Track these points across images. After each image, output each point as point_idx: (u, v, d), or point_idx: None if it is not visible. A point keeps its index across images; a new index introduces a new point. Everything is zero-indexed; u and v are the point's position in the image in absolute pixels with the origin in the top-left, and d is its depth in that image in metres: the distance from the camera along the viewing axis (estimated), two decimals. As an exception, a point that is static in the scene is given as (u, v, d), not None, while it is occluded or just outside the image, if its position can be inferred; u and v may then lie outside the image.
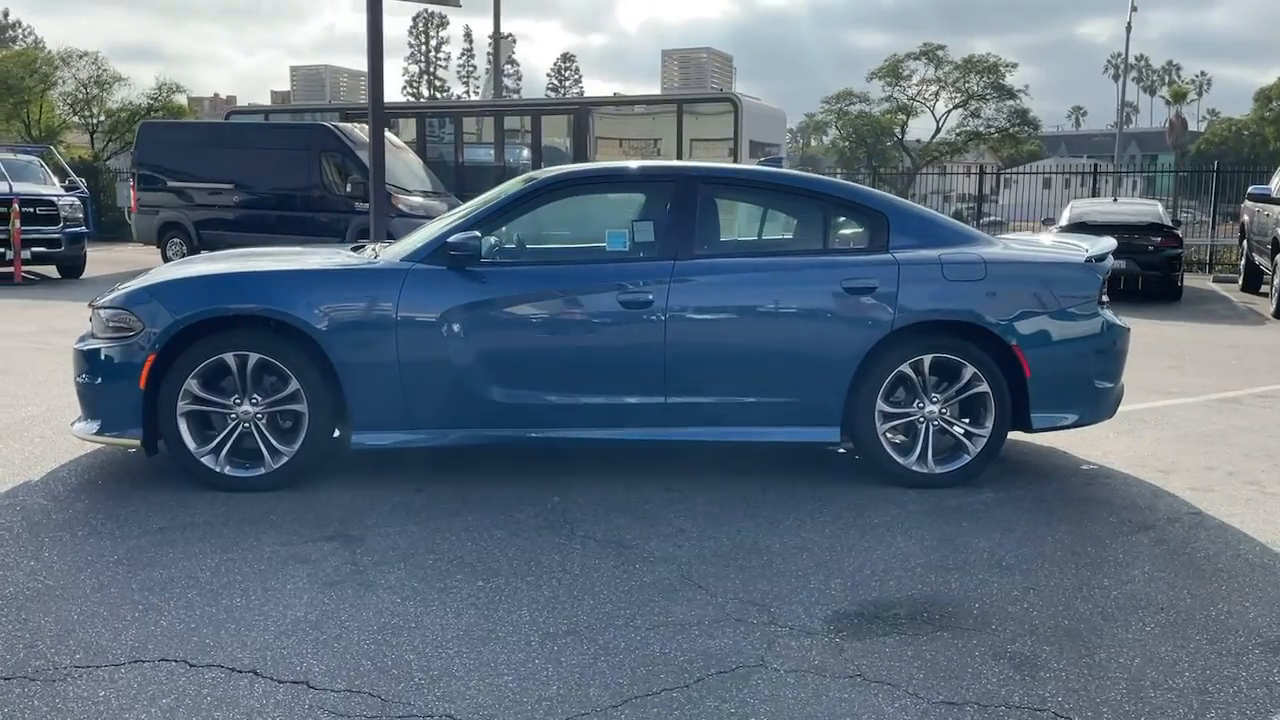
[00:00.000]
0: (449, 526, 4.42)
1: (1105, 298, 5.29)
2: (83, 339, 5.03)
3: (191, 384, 4.76)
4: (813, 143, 62.70)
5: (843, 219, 5.34)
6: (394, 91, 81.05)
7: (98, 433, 4.87)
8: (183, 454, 4.80)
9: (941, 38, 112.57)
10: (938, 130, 42.36)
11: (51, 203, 16.05)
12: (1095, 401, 5.24)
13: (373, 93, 11.90)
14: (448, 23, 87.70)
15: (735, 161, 18.37)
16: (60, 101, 32.91)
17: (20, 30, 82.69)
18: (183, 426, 4.78)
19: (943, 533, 4.46)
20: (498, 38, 24.13)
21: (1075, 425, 5.30)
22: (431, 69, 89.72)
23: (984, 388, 5.05)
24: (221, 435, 4.82)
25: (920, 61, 40.69)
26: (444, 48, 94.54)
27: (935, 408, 5.08)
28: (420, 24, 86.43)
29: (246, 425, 4.83)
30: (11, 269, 15.13)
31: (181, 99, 34.73)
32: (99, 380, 4.85)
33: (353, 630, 3.40)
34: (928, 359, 5.04)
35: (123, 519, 4.45)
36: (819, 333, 5.02)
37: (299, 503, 4.68)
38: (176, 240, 17.95)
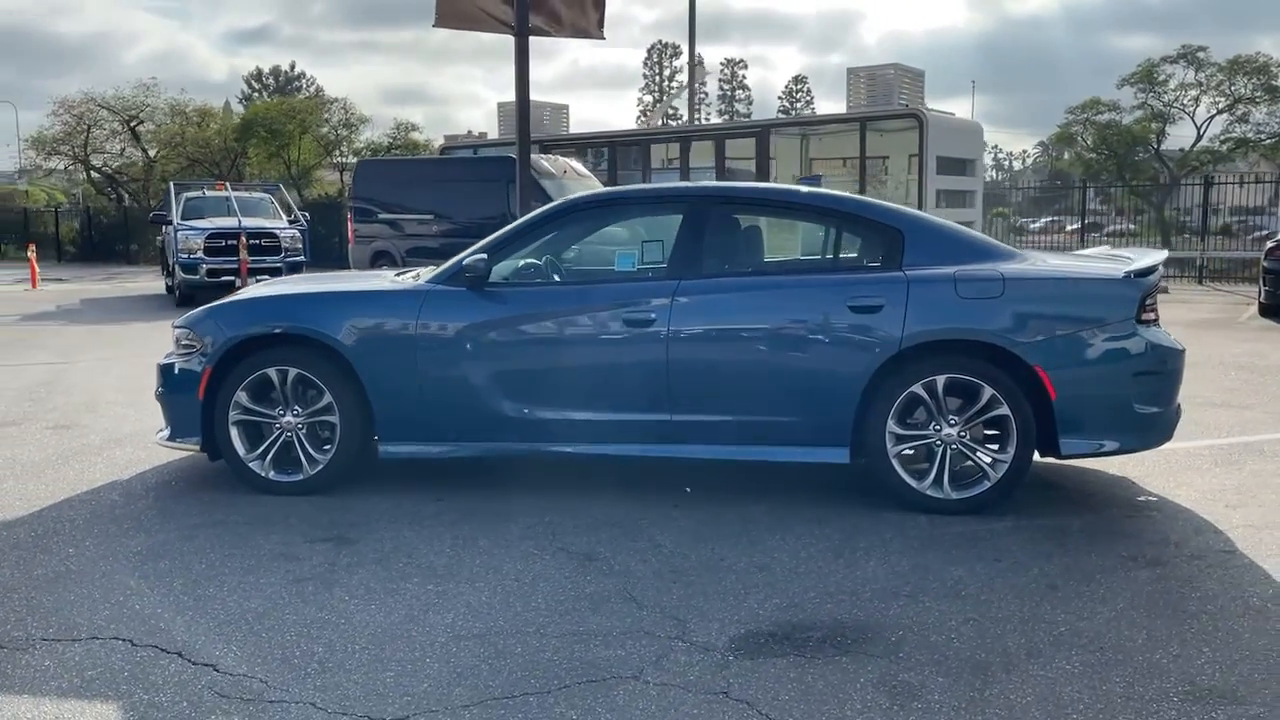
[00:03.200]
0: (440, 535, 4.68)
1: (1152, 315, 4.92)
2: (166, 355, 5.66)
3: (241, 396, 5.27)
4: (1066, 155, 59.40)
5: (856, 236, 5.23)
6: (628, 121, 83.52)
7: (168, 439, 5.47)
8: (234, 459, 5.31)
9: (1215, 38, 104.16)
10: (1199, 138, 39.28)
11: (274, 235, 17.81)
12: (1138, 427, 4.88)
13: (520, 127, 12.41)
14: (680, 52, 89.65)
15: (921, 179, 17.94)
16: (315, 144, 36.14)
17: (304, 80, 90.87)
18: (234, 434, 5.29)
19: (923, 559, 4.30)
20: (692, 64, 24.57)
21: (1116, 452, 4.95)
22: (664, 98, 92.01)
23: (1004, 411, 4.81)
24: (267, 443, 5.30)
25: (1179, 65, 37.88)
26: (677, 77, 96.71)
27: (953, 430, 4.88)
28: (654, 55, 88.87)
29: (289, 434, 5.29)
30: (237, 294, 16.87)
31: (419, 137, 37.31)
32: (169, 392, 5.44)
33: (287, 623, 3.70)
34: (941, 380, 4.85)
35: (167, 515, 4.99)
36: (824, 352, 4.94)
37: (323, 507, 5.07)
38: (387, 268, 19.40)
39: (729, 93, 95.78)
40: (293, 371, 5.24)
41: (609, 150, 21.87)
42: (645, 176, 21.27)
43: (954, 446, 4.90)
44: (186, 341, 5.43)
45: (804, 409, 4.95)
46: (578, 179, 18.50)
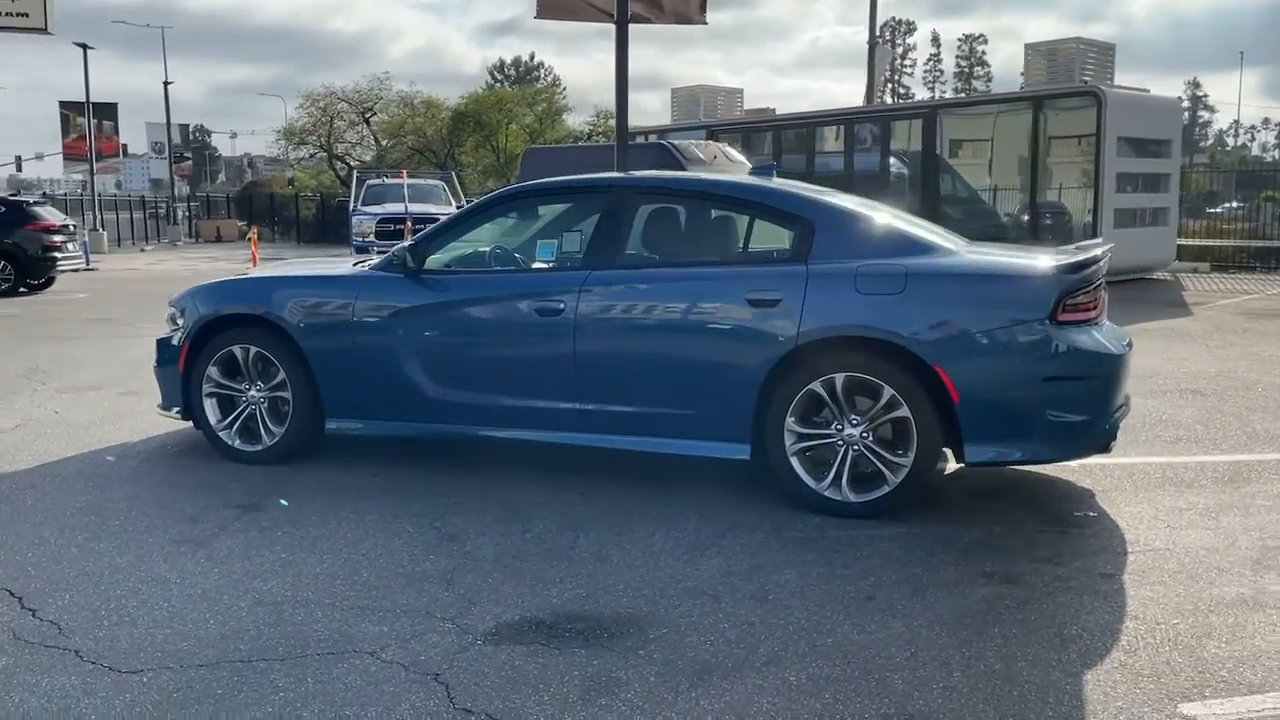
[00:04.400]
0: (343, 507, 4.94)
1: (1079, 315, 4.53)
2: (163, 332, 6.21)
3: (213, 370, 5.74)
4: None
5: (771, 226, 5.08)
6: (855, 101, 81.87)
7: (160, 407, 6.03)
8: (206, 428, 5.80)
9: None
10: None
11: (437, 219, 18.79)
12: (1052, 436, 4.51)
13: (619, 121, 12.47)
14: (914, 28, 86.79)
15: (1098, 161, 16.75)
16: (521, 132, 37.67)
17: (542, 70, 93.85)
18: (208, 406, 5.78)
19: (768, 560, 4.19)
20: (873, 43, 23.80)
21: (1026, 462, 4.62)
22: (896, 76, 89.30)
23: (904, 412, 4.58)
24: (234, 415, 5.75)
25: None
26: (910, 54, 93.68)
27: (855, 431, 4.69)
28: (886, 34, 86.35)
29: (253, 407, 5.72)
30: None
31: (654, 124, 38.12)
32: (160, 364, 5.99)
33: (132, 579, 4.04)
34: (841, 378, 4.67)
35: (137, 477, 5.51)
36: (723, 346, 4.85)
37: (271, 475, 5.45)
38: (545, 251, 20.05)
39: (966, 69, 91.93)
40: (253, 350, 5.65)
41: (772, 134, 21.65)
42: (810, 161, 20.92)
43: (856, 448, 4.71)
44: (171, 319, 5.96)
45: (705, 403, 4.89)
46: (729, 164, 18.42)
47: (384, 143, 44.44)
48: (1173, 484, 5.26)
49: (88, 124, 34.29)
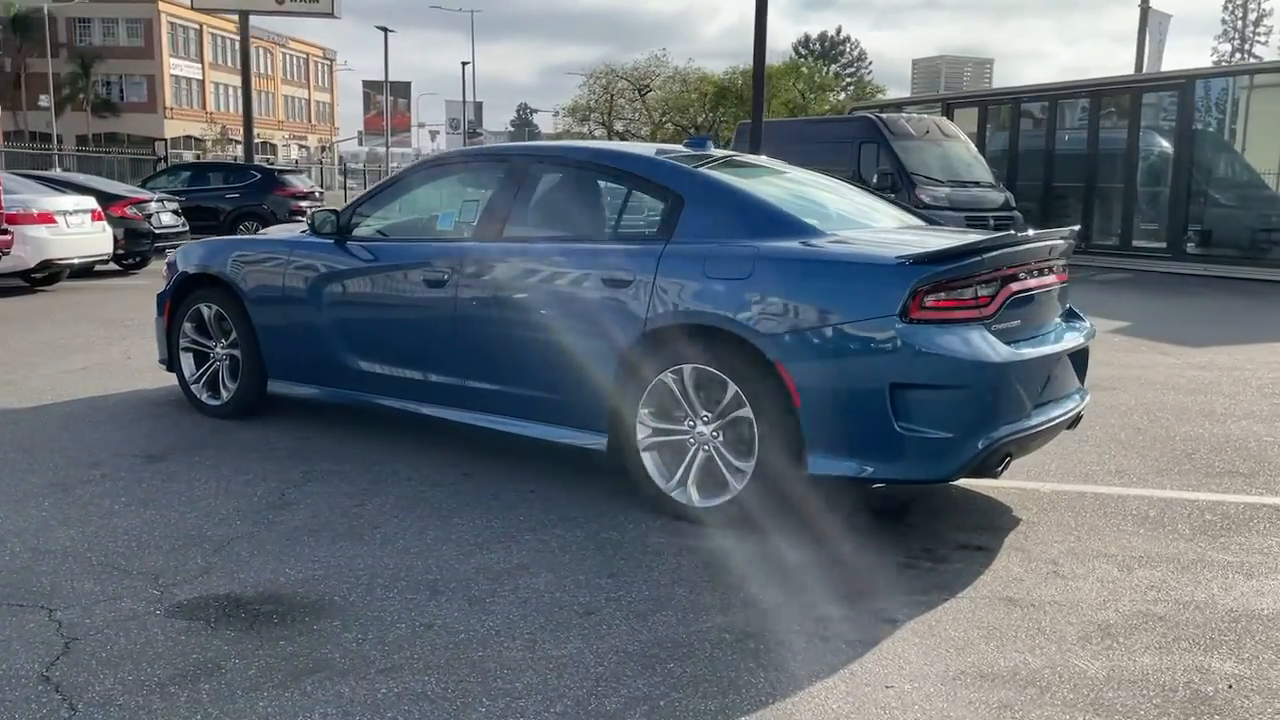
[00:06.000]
0: (236, 464, 5.02)
1: (944, 314, 3.82)
2: None
3: (187, 327, 6.03)
4: None
5: (646, 200, 4.62)
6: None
7: (159, 360, 6.41)
8: (181, 380, 6.11)
9: None
10: None
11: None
12: (905, 453, 3.84)
13: (755, 97, 11.91)
14: (1269, -7, 76.92)
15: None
16: (784, 107, 37.05)
17: (848, 44, 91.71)
18: (184, 360, 6.08)
19: (545, 560, 3.85)
20: (1145, 5, 21.25)
21: (876, 480, 3.96)
22: (1247, 45, 79.73)
23: (747, 413, 4.06)
24: (203, 370, 6.02)
25: None
26: (1265, 21, 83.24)
27: (706, 430, 4.22)
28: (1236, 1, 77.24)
29: (218, 364, 5.97)
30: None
31: (889, 96, 36.70)
32: (157, 317, 6.36)
33: (-28, 513, 4.35)
34: (688, 370, 4.21)
35: (110, 422, 5.86)
36: (579, 328, 4.50)
37: (217, 429, 5.67)
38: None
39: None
40: (213, 308, 5.89)
41: (1012, 108, 19.97)
42: (1050, 138, 19.15)
43: (707, 448, 4.24)
44: (164, 276, 6.31)
45: (565, 387, 4.57)
46: (942, 139, 17.25)
47: (656, 117, 45.22)
48: (1132, 523, 4.36)
49: (384, 102, 37.29)
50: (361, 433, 5.60)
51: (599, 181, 4.84)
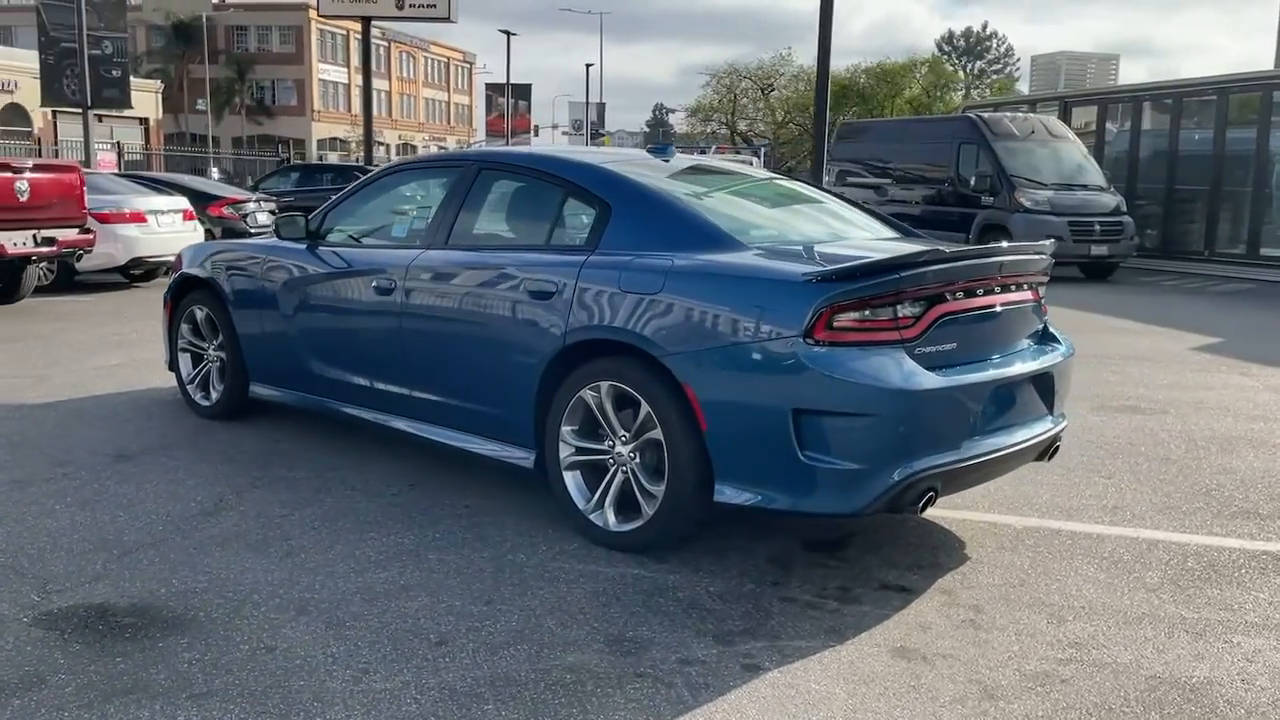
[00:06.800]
0: (196, 466, 5.04)
1: (863, 336, 3.51)
2: None
3: (184, 328, 6.13)
4: None
5: (580, 208, 4.41)
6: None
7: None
8: (179, 380, 6.22)
9: None
10: None
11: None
12: (812, 484, 3.54)
13: (818, 101, 11.47)
14: None
15: None
16: (907, 105, 36.04)
17: (994, 40, 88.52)
18: (182, 360, 6.19)
19: (428, 582, 3.70)
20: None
21: (789, 513, 3.67)
22: None
23: (657, 434, 3.84)
24: (198, 371, 6.11)
25: None
26: None
27: (625, 450, 4.01)
28: None
29: (210, 365, 6.05)
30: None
31: (1024, 90, 35.31)
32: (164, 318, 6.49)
33: (-81, 508, 4.48)
34: (605, 386, 4.01)
35: (106, 420, 6.02)
36: (506, 339, 4.34)
37: (195, 430, 5.74)
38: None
39: None
40: (204, 310, 5.96)
41: (1132, 106, 18.86)
42: (1175, 138, 18.02)
43: (625, 470, 4.03)
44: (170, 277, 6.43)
45: (497, 401, 4.42)
46: (1049, 139, 16.43)
47: (779, 117, 44.66)
48: (1097, 567, 3.95)
49: (506, 104, 37.92)
50: (333, 440, 5.57)
51: (540, 189, 4.65)
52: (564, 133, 59.55)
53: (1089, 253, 15.29)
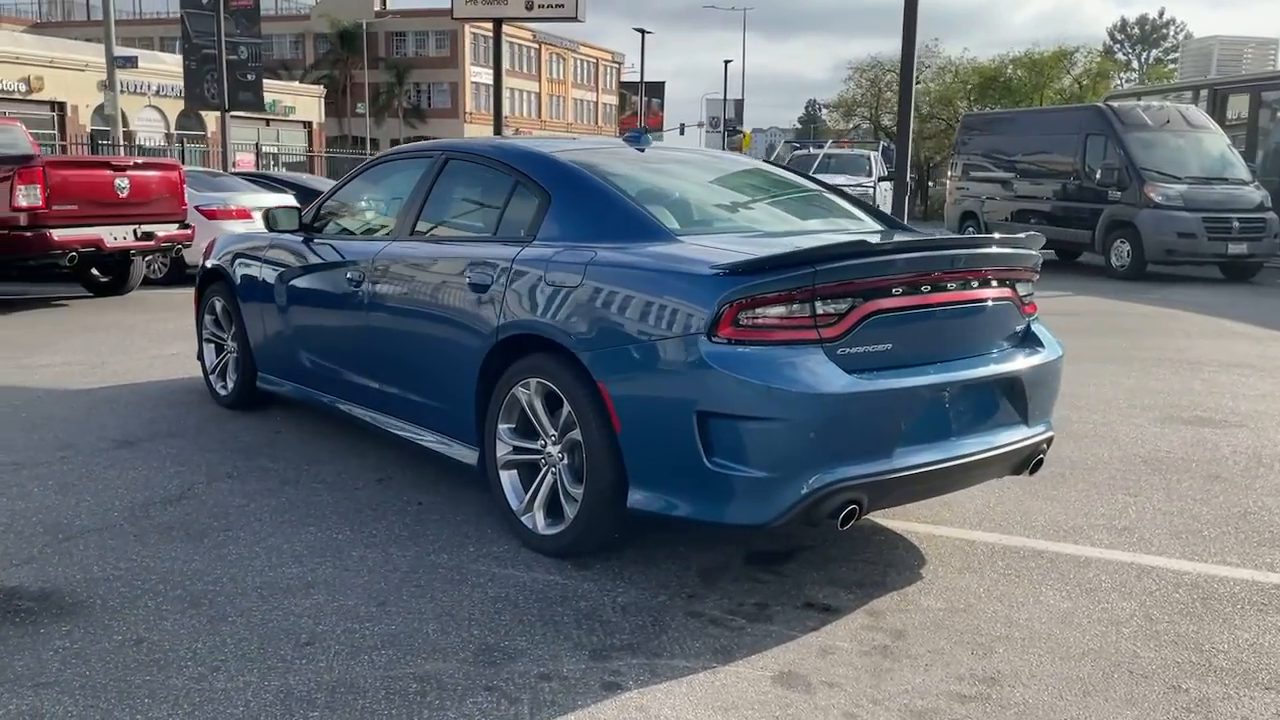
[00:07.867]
0: (186, 455, 5.12)
1: (773, 335, 3.23)
2: None
3: (207, 320, 6.26)
4: None
5: (522, 197, 4.21)
6: None
7: (198, 354, 6.70)
8: (203, 369, 6.35)
9: None
10: None
11: (845, 190, 18.02)
12: (718, 492, 3.28)
13: (902, 94, 10.71)
14: None
15: None
16: (1056, 96, 34.35)
17: (1171, 27, 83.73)
18: (206, 350, 6.33)
19: (347, 582, 3.60)
20: None
21: (698, 523, 3.41)
22: None
23: (577, 435, 3.65)
24: (219, 360, 6.23)
25: None
26: None
27: (555, 450, 3.84)
28: None
29: (229, 356, 6.15)
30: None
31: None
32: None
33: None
34: (534, 384, 3.83)
35: (111, 409, 6.21)
36: (448, 332, 4.22)
37: (206, 419, 5.85)
38: (969, 228, 18.15)
39: None
40: (221, 302, 6.07)
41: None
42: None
43: (555, 470, 3.85)
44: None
45: (441, 396, 4.31)
46: (1186, 130, 15.33)
47: (924, 110, 43.31)
48: (1061, 594, 3.55)
49: (640, 103, 37.97)
50: (332, 434, 5.56)
51: (494, 179, 4.48)
52: (707, 131, 59.52)
53: (1226, 251, 14.16)
